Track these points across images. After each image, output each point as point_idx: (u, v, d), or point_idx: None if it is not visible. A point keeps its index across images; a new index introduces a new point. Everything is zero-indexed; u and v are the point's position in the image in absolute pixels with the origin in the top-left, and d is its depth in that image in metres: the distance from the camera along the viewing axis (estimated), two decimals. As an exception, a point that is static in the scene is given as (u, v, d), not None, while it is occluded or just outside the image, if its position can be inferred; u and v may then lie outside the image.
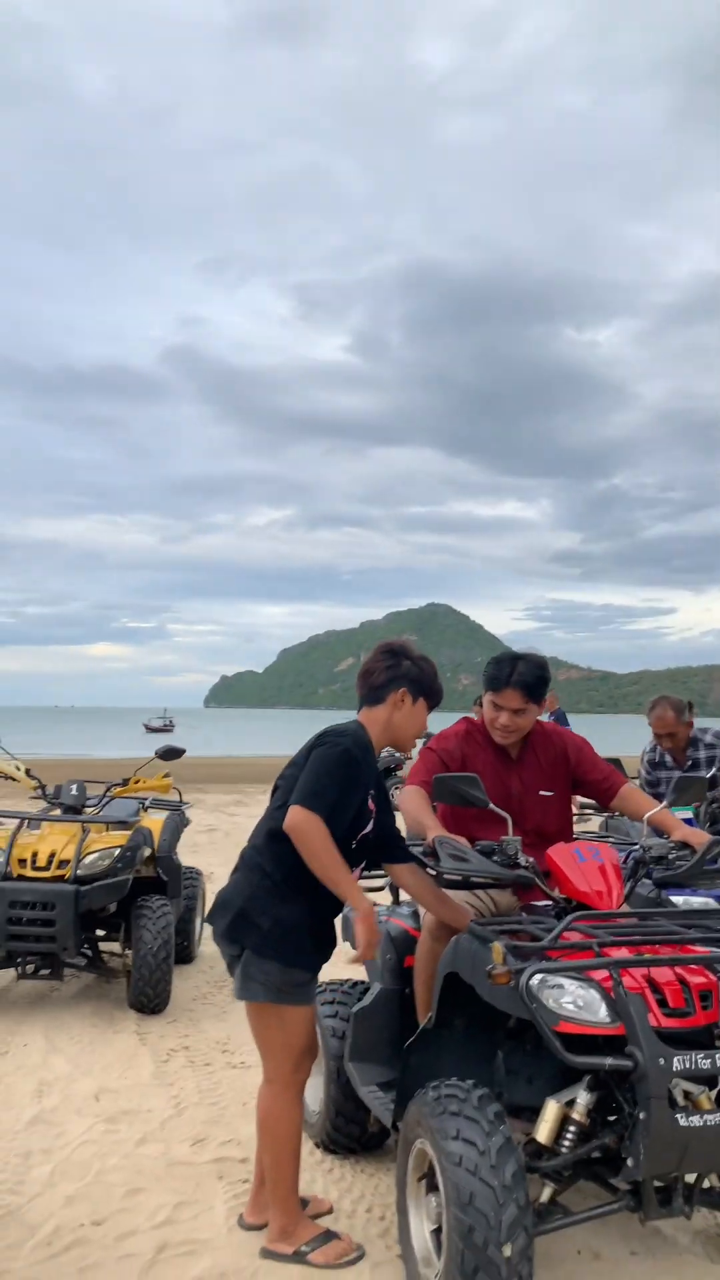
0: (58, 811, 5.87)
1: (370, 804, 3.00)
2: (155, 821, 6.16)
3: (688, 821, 3.85)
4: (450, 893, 3.13)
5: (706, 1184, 2.71)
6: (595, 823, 7.02)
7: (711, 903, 3.63)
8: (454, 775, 3.06)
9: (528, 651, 3.44)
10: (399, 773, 10.61)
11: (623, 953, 2.62)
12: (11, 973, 5.84)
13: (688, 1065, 2.40)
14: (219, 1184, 3.36)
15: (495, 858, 2.92)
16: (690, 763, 5.45)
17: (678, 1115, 2.37)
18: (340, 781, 2.84)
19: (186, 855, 7.05)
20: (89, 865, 5.27)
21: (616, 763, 3.81)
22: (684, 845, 3.14)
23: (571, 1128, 2.58)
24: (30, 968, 5.39)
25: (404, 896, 3.69)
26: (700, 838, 3.15)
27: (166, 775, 6.50)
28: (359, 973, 3.61)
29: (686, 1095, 2.48)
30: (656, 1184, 2.60)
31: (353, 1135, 3.55)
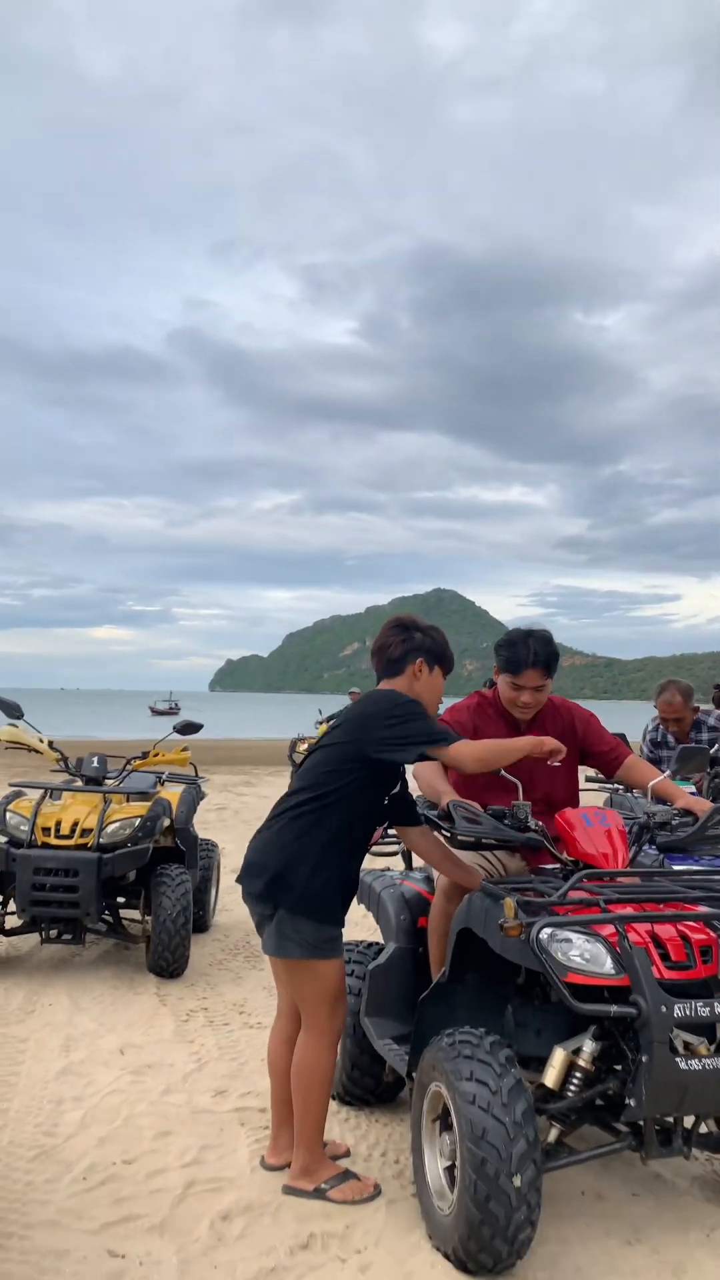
0: (79, 783, 6.06)
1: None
2: (173, 794, 6.33)
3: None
4: (461, 853, 3.29)
5: (704, 1128, 2.90)
6: (600, 800, 7.17)
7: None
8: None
9: (532, 627, 3.54)
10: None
11: (627, 910, 2.79)
12: (35, 937, 6.05)
13: (688, 1013, 2.58)
14: (241, 1130, 3.54)
15: (506, 821, 3.08)
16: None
17: (678, 1059, 2.55)
18: (423, 712, 3.04)
19: (200, 831, 7.23)
20: (111, 834, 5.46)
21: (622, 738, 3.96)
22: (687, 812, 3.30)
23: (577, 1074, 2.76)
24: (54, 933, 5.58)
25: (416, 863, 3.86)
26: (703, 805, 3.31)
27: (185, 749, 6.68)
28: (374, 934, 3.77)
29: (686, 1045, 2.66)
30: (656, 1126, 2.79)
31: (368, 1087, 3.73)
